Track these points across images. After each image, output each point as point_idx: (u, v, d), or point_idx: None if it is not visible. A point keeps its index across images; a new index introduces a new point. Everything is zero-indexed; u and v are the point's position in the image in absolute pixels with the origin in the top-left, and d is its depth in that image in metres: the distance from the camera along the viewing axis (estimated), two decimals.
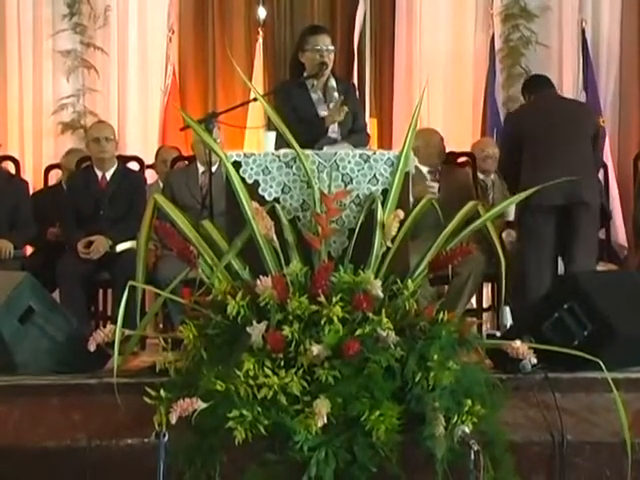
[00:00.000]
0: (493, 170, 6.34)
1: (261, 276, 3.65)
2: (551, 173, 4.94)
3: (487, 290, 6.08)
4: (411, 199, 4.13)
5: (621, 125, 7.47)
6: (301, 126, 4.63)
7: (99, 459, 3.68)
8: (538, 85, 5.71)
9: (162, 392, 3.50)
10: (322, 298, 3.56)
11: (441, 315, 3.65)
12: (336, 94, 4.88)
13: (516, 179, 5.28)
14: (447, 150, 5.84)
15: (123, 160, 5.92)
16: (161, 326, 5.78)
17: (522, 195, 4.34)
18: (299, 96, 4.89)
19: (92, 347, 3.69)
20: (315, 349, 3.47)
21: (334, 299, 3.55)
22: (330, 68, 4.92)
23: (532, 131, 5.36)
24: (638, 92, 7.43)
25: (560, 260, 5.47)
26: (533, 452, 3.72)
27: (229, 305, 3.60)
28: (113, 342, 3.67)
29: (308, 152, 4.03)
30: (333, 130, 4.80)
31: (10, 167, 6.37)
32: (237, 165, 4.02)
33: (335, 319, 3.52)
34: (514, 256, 5.39)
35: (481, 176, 6.19)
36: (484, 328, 5.72)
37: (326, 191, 3.91)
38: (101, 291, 5.86)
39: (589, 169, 5.35)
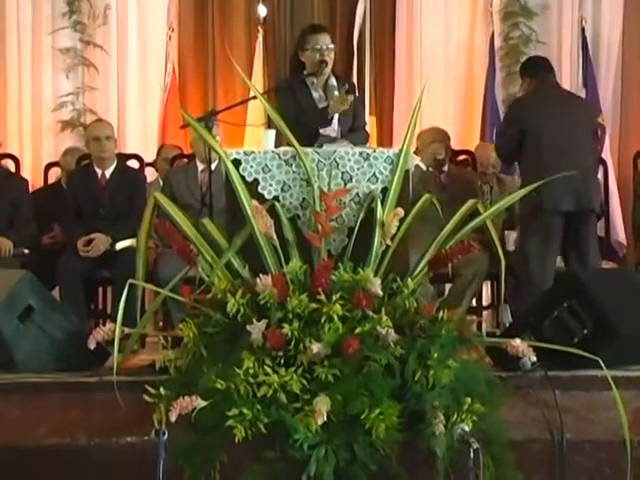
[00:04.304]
0: (494, 177, 6.34)
1: (261, 274, 3.65)
2: (563, 177, 4.97)
3: (487, 288, 6.08)
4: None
5: (621, 123, 7.47)
6: (305, 117, 4.65)
7: (99, 457, 3.69)
8: (539, 68, 5.65)
9: (162, 390, 3.50)
10: (322, 296, 3.56)
11: (441, 313, 3.65)
12: (336, 93, 4.88)
13: (514, 160, 5.33)
14: None
15: (123, 158, 5.92)
16: (161, 324, 5.79)
17: (519, 194, 4.34)
18: (301, 92, 4.89)
19: (92, 345, 3.69)
20: (315, 347, 3.47)
21: (334, 297, 3.55)
22: (330, 67, 4.92)
23: (539, 124, 5.32)
24: (638, 90, 7.43)
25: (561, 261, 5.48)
26: (533, 450, 3.72)
27: (229, 303, 3.60)
28: (113, 340, 3.67)
29: (308, 150, 4.03)
30: (333, 129, 4.80)
31: (10, 165, 6.38)
32: (237, 163, 4.02)
33: (335, 317, 3.53)
34: (517, 254, 5.40)
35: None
36: (484, 326, 5.72)
37: (326, 189, 3.91)
38: (101, 289, 5.87)
39: (595, 172, 5.41)
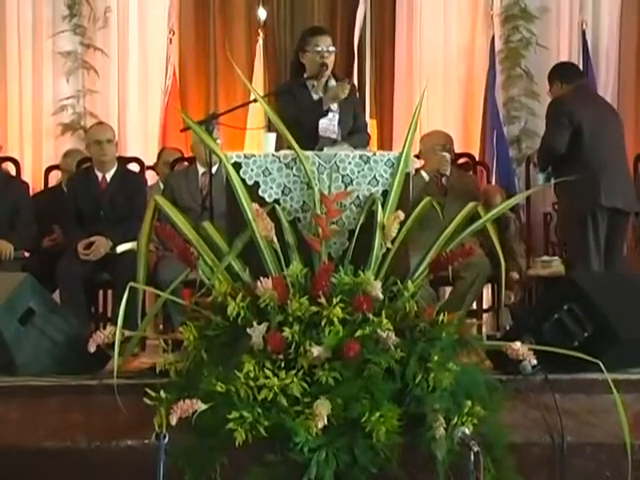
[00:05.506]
0: None
1: (261, 277, 3.65)
2: (615, 179, 5.22)
3: (487, 291, 6.08)
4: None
5: None
6: (304, 117, 4.65)
7: (99, 460, 3.69)
8: (571, 72, 5.74)
9: (162, 393, 3.50)
10: (322, 299, 3.56)
11: (441, 316, 3.65)
12: (334, 82, 4.88)
13: (558, 156, 5.35)
14: None
15: (123, 161, 5.92)
16: (161, 327, 5.78)
17: (514, 198, 4.40)
18: (301, 95, 4.90)
19: (92, 348, 3.70)
20: (315, 350, 3.47)
21: (334, 300, 3.56)
22: (330, 69, 4.93)
23: (587, 121, 5.37)
24: (636, 93, 7.43)
25: None
26: (533, 453, 3.72)
27: (229, 306, 3.60)
28: (113, 343, 3.68)
29: (308, 153, 4.04)
30: (334, 130, 4.79)
31: (10, 168, 6.38)
32: (237, 166, 4.02)
33: (335, 320, 3.53)
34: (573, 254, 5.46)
35: None
36: (484, 329, 5.72)
37: (326, 192, 3.91)
38: (101, 292, 5.86)
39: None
